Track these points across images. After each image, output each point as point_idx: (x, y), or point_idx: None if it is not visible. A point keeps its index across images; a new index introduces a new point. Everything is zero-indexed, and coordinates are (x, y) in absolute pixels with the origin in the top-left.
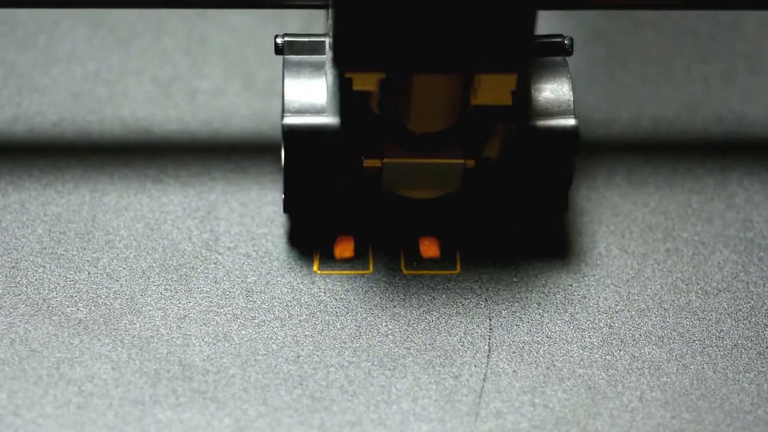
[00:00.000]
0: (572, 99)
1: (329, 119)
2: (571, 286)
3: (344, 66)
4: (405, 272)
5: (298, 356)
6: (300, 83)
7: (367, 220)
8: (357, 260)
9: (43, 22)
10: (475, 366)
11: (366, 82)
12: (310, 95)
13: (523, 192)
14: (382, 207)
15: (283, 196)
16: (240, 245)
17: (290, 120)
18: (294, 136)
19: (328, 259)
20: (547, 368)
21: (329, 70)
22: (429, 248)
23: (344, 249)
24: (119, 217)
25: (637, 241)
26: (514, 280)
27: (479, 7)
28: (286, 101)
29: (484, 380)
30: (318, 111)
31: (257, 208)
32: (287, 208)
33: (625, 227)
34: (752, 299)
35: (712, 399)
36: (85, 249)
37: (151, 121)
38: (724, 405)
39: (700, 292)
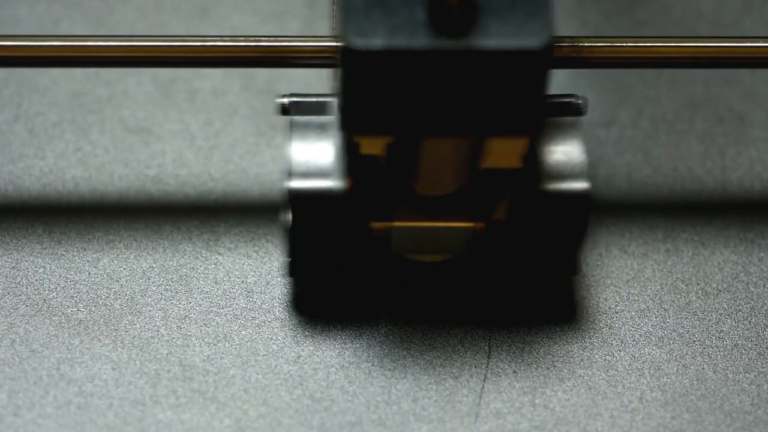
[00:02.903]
0: (585, 161)
1: (336, 183)
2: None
3: (351, 130)
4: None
5: (299, 357)
6: (307, 145)
7: (375, 282)
8: None
9: (43, 22)
10: (475, 366)
11: (374, 146)
12: (317, 157)
13: (533, 255)
14: (391, 270)
15: (288, 259)
16: (240, 245)
17: (296, 183)
18: (300, 200)
19: None
20: (547, 368)
21: (336, 131)
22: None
23: None
24: (119, 217)
25: (637, 241)
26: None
27: (489, 70)
28: (292, 164)
29: (484, 380)
30: (325, 174)
31: (257, 209)
32: (293, 272)
33: (625, 227)
34: (752, 300)
35: (712, 399)
36: (85, 249)
37: (151, 121)
38: (724, 405)
39: (700, 292)
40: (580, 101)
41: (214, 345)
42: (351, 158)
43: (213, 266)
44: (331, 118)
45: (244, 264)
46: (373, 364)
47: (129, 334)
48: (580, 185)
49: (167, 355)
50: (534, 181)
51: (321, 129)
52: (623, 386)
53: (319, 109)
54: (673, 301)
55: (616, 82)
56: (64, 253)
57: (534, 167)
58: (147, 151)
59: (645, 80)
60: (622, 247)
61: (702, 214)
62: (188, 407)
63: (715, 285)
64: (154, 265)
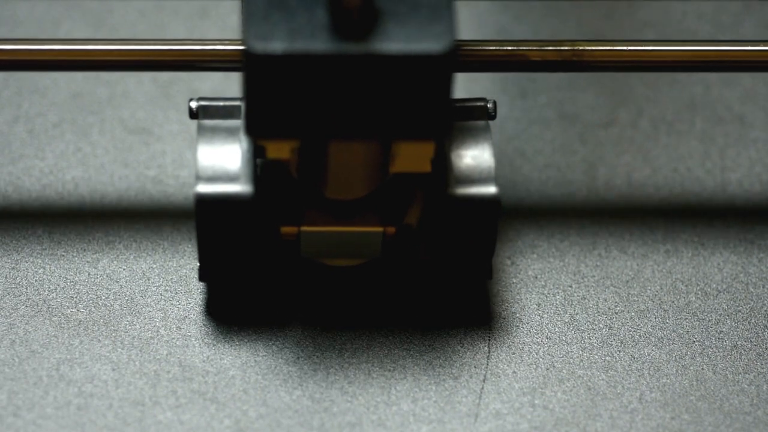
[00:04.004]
0: (493, 166)
1: (243, 187)
2: (570, 287)
3: (256, 134)
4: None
5: (298, 357)
6: (214, 149)
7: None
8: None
9: (43, 23)
10: (475, 367)
11: (280, 150)
12: (223, 161)
13: (444, 260)
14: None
15: (198, 264)
16: None
17: (203, 188)
18: (206, 205)
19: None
20: (547, 369)
21: (244, 135)
22: None
23: None
24: (119, 218)
25: (636, 241)
26: (513, 281)
27: (391, 74)
28: (199, 168)
29: (483, 381)
30: (232, 178)
31: None
32: (203, 276)
33: (624, 227)
34: (752, 300)
35: (712, 400)
36: (85, 250)
37: (151, 121)
38: (723, 406)
39: (699, 293)
40: (489, 105)
41: (214, 346)
42: (258, 162)
43: None
44: (240, 122)
45: None
46: (372, 364)
47: (129, 335)
48: (488, 190)
49: (167, 355)
50: (442, 186)
51: (229, 133)
52: (623, 387)
53: (227, 112)
54: (673, 302)
55: (616, 83)
56: (63, 253)
57: (443, 172)
58: (147, 151)
59: (645, 81)
60: (622, 247)
61: (702, 215)
62: (188, 408)
63: (714, 286)
64: (154, 266)
